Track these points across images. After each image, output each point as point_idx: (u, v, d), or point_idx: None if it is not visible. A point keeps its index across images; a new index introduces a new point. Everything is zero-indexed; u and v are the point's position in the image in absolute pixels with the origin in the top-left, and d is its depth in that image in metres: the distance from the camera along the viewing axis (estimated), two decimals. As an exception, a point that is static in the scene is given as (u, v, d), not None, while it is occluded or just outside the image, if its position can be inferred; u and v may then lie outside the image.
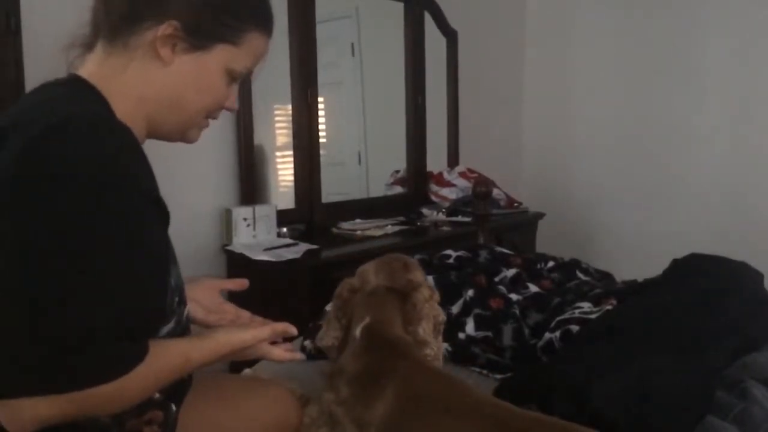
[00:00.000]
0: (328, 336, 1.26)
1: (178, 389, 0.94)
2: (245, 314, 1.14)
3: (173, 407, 0.94)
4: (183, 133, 0.94)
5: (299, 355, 1.04)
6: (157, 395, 0.88)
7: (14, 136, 0.72)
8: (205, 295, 1.12)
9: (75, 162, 0.71)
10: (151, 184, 0.78)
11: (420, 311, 1.23)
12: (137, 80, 0.86)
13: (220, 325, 1.04)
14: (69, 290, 0.69)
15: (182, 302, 0.93)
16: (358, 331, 1.20)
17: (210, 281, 1.17)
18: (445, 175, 3.06)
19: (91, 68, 0.87)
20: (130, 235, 0.74)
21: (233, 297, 1.23)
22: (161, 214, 0.81)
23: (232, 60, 0.90)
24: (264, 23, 0.92)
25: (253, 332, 0.93)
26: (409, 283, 1.27)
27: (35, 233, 0.69)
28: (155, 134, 0.93)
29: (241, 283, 1.16)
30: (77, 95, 0.84)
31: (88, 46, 0.89)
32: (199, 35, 0.86)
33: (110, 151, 0.74)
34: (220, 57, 0.89)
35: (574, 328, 1.45)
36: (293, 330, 0.99)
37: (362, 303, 1.25)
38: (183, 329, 0.94)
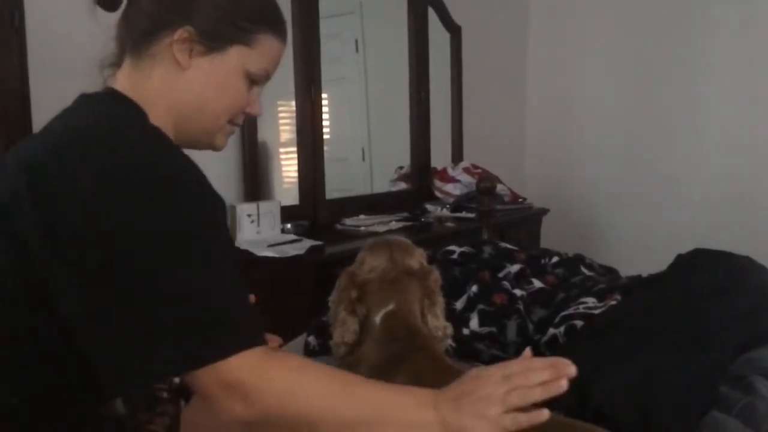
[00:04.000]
0: (347, 333, 1.22)
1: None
2: None
3: (183, 402, 0.98)
4: (210, 139, 0.98)
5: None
6: (165, 394, 0.90)
7: (58, 128, 0.80)
8: None
9: (135, 158, 0.77)
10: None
11: (438, 296, 1.24)
12: (162, 87, 0.91)
13: None
14: (199, 280, 0.76)
15: None
16: (378, 318, 1.19)
17: None
18: (449, 171, 3.06)
19: (122, 82, 0.92)
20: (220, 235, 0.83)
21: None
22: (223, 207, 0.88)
23: (247, 61, 0.93)
24: (274, 25, 0.96)
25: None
26: (422, 267, 1.26)
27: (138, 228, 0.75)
28: (183, 142, 0.96)
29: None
30: (114, 103, 0.89)
31: (117, 64, 0.95)
32: (213, 38, 0.90)
33: (164, 149, 0.82)
34: (235, 58, 0.92)
35: (578, 323, 1.45)
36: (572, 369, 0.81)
37: (384, 288, 1.22)
38: None
